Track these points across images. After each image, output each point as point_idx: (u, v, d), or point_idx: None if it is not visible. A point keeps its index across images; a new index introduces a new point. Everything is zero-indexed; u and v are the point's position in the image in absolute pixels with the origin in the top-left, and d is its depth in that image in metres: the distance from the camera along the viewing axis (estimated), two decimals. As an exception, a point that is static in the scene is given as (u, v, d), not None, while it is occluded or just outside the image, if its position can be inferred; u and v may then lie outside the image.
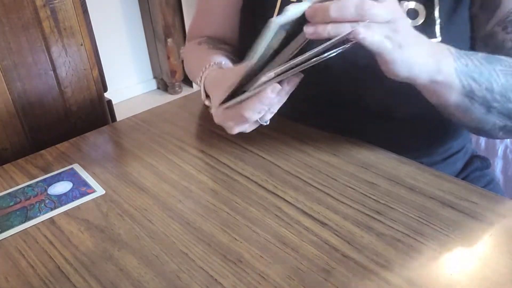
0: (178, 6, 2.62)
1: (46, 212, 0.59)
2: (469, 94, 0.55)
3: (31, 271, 0.51)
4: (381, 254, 0.49)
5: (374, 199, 0.57)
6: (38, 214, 0.59)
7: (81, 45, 0.79)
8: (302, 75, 0.51)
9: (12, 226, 0.57)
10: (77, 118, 0.82)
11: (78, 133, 0.78)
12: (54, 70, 0.77)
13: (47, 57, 0.75)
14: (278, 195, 0.59)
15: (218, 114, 0.56)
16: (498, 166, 1.30)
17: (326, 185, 0.60)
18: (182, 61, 2.74)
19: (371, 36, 0.45)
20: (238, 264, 0.49)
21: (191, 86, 2.79)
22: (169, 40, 2.62)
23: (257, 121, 0.56)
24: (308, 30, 0.46)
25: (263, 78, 0.48)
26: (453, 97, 0.55)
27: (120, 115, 0.89)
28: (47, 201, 0.61)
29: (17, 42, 0.72)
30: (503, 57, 0.58)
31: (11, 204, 0.61)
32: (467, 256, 0.48)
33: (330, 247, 0.50)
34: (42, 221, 0.58)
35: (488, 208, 0.54)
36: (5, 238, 0.55)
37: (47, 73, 0.76)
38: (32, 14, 0.72)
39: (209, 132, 0.75)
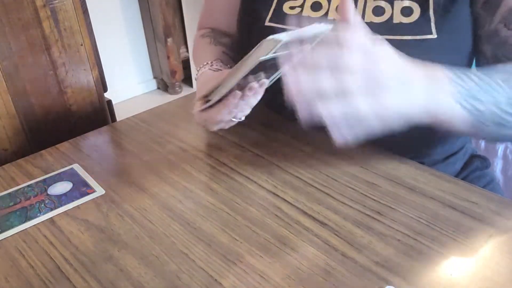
0: (178, 6, 2.62)
1: (46, 212, 0.59)
2: (477, 115, 0.52)
3: (31, 271, 0.51)
4: (381, 254, 0.49)
5: (374, 199, 0.57)
6: (38, 214, 0.59)
7: (81, 45, 0.79)
8: (265, 84, 0.59)
9: (12, 226, 0.57)
10: (77, 118, 0.82)
11: (78, 133, 0.78)
12: (54, 70, 0.77)
13: (47, 57, 0.75)
14: (278, 195, 0.59)
15: (196, 115, 0.65)
16: (498, 166, 1.30)
17: (326, 185, 0.60)
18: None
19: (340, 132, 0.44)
20: (238, 264, 0.49)
21: (191, 86, 2.79)
22: (169, 40, 2.62)
23: (232, 120, 0.65)
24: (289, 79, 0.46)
25: (224, 89, 0.58)
26: (461, 124, 0.53)
27: (120, 115, 0.89)
28: (47, 201, 0.61)
29: (17, 42, 0.72)
30: (498, 67, 0.57)
31: (11, 204, 0.61)
32: (467, 256, 0.48)
33: (330, 247, 0.50)
34: (42, 221, 0.58)
35: (488, 208, 0.54)
36: (5, 238, 0.55)
37: (47, 73, 0.76)
38: (32, 14, 0.72)
39: (209, 132, 0.75)
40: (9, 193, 0.63)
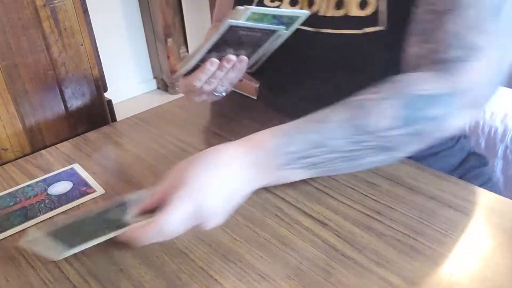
0: (178, 6, 2.62)
1: (46, 212, 0.59)
2: (315, 166, 0.53)
3: (31, 271, 0.51)
4: (381, 254, 0.49)
5: (374, 199, 0.57)
6: (38, 214, 0.59)
7: (81, 45, 0.79)
8: (244, 61, 0.67)
9: (12, 226, 0.57)
10: (77, 118, 0.82)
11: (78, 133, 0.79)
12: (54, 70, 0.77)
13: (47, 57, 0.75)
14: (278, 195, 0.59)
15: (180, 84, 0.72)
16: (498, 166, 1.29)
17: (326, 185, 0.60)
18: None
19: None
20: (238, 264, 0.49)
21: (191, 86, 2.79)
22: (169, 40, 2.62)
23: (213, 93, 0.70)
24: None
25: (200, 53, 0.64)
26: (303, 175, 0.54)
27: (120, 115, 0.89)
28: (47, 201, 0.61)
29: (17, 42, 0.72)
30: (336, 108, 0.54)
31: (11, 204, 0.61)
32: (467, 256, 0.48)
33: (330, 247, 0.50)
34: (42, 221, 0.58)
35: (488, 208, 0.54)
36: (5, 238, 0.55)
37: (47, 73, 0.76)
38: (32, 14, 0.72)
39: (209, 132, 0.76)
40: (9, 193, 0.63)
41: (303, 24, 0.67)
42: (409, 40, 0.59)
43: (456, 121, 0.54)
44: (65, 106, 0.80)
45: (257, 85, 0.89)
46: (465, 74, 0.53)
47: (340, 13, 0.66)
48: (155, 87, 2.90)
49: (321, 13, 0.67)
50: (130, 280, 0.48)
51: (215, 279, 0.47)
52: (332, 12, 0.67)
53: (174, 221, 0.46)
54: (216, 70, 0.66)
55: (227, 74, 0.68)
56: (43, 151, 0.73)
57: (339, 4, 0.66)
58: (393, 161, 0.57)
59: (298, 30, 0.68)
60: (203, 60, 0.65)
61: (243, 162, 0.51)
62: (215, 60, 0.65)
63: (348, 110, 0.53)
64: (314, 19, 0.67)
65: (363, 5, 0.64)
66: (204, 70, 0.65)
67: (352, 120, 0.52)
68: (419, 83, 0.53)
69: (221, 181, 0.49)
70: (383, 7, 0.63)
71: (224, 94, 0.73)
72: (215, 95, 0.72)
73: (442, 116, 0.52)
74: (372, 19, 0.63)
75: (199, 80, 0.67)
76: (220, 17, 0.87)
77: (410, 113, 0.51)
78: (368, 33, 0.64)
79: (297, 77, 0.75)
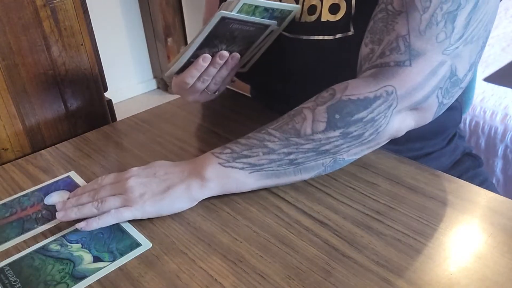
0: (178, 5, 2.62)
1: (44, 223, 0.57)
2: (256, 169, 0.56)
3: (31, 271, 0.51)
4: (381, 254, 0.49)
5: (374, 199, 0.57)
6: (35, 225, 0.57)
7: (81, 45, 0.79)
8: (236, 57, 0.66)
9: (8, 239, 0.55)
10: (77, 118, 0.82)
11: (78, 133, 0.79)
12: (54, 70, 0.77)
13: (47, 57, 0.75)
14: (278, 195, 0.59)
15: (172, 84, 0.70)
16: (498, 166, 1.30)
17: (326, 185, 0.60)
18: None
19: (105, 221, 0.55)
20: (238, 264, 0.49)
21: (191, 86, 2.79)
22: (169, 39, 2.62)
23: (206, 92, 0.69)
24: (58, 215, 0.56)
25: (187, 53, 0.63)
26: (245, 181, 0.56)
27: (120, 115, 0.89)
28: (44, 212, 0.59)
29: (17, 42, 0.72)
30: (276, 119, 0.57)
31: (6, 215, 0.59)
32: (467, 256, 0.48)
33: (330, 247, 0.50)
34: (39, 233, 0.56)
35: (488, 207, 0.54)
36: (2, 250, 0.54)
37: (47, 73, 0.76)
38: (32, 14, 0.72)
39: (209, 131, 0.76)
40: (4, 204, 0.61)
41: (284, 30, 0.68)
42: (364, 38, 0.59)
43: (394, 124, 0.55)
44: (65, 106, 0.80)
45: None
46: (400, 78, 0.53)
47: (312, 18, 0.66)
48: (155, 87, 2.90)
49: (296, 19, 0.67)
50: (130, 280, 0.48)
51: (215, 279, 0.48)
52: (305, 17, 0.66)
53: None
54: (209, 67, 0.65)
55: (220, 71, 0.66)
56: (43, 151, 0.73)
57: (312, 9, 0.66)
58: (343, 164, 0.58)
59: (279, 34, 0.69)
60: (195, 56, 0.64)
61: (182, 167, 0.58)
62: (207, 56, 0.63)
63: (285, 118, 0.56)
64: (290, 25, 0.68)
65: (334, 9, 0.64)
66: (197, 66, 0.64)
67: (287, 125, 0.55)
68: (351, 89, 0.54)
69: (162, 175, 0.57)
70: (353, 11, 0.62)
71: (217, 93, 0.71)
72: (208, 94, 0.70)
73: (374, 119, 0.53)
74: (343, 24, 0.63)
75: (192, 76, 0.65)
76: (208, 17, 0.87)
77: (341, 117, 0.53)
78: (339, 38, 0.64)
79: (283, 80, 0.76)
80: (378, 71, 0.54)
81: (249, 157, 0.55)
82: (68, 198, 0.59)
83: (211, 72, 0.66)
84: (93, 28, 0.81)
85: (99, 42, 0.85)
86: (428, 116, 0.57)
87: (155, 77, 2.88)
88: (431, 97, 0.55)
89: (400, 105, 0.54)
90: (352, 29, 0.63)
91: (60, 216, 0.56)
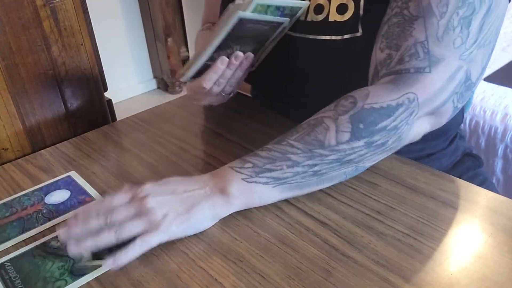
0: (178, 5, 2.62)
1: (44, 222, 0.57)
2: (280, 183, 0.54)
3: (31, 271, 0.51)
4: (381, 254, 0.49)
5: (375, 199, 0.57)
6: (36, 224, 0.57)
7: (81, 45, 0.79)
8: (250, 57, 0.65)
9: (9, 238, 0.55)
10: (77, 118, 0.82)
11: (78, 133, 0.79)
12: (54, 69, 0.77)
13: (47, 57, 0.75)
14: (278, 195, 0.59)
15: (187, 88, 0.68)
16: (498, 166, 1.29)
17: (326, 185, 0.60)
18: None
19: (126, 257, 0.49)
20: (238, 264, 0.49)
21: (191, 85, 2.79)
22: (169, 39, 2.62)
23: (221, 94, 0.68)
24: (69, 248, 0.50)
25: (211, 47, 0.62)
26: (269, 195, 0.55)
27: (120, 115, 0.89)
28: (44, 211, 0.59)
29: (17, 42, 0.72)
30: (295, 128, 0.56)
31: (6, 215, 0.59)
32: (467, 256, 0.48)
33: (330, 247, 0.50)
34: (40, 232, 0.56)
35: (489, 207, 0.54)
36: (3, 250, 0.54)
37: (47, 73, 0.76)
38: (32, 14, 0.72)
39: (209, 131, 0.76)
40: (5, 203, 0.61)
41: (289, 29, 0.68)
42: (377, 42, 0.59)
43: (414, 130, 0.56)
44: (65, 106, 0.80)
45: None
46: (421, 85, 0.53)
47: (319, 18, 0.66)
48: (155, 87, 2.90)
49: (302, 18, 0.67)
50: (130, 280, 0.48)
51: (215, 279, 0.47)
52: (311, 17, 0.66)
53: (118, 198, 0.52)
54: (225, 69, 0.64)
55: (235, 72, 0.66)
56: (43, 151, 0.73)
57: (319, 9, 0.66)
58: (362, 171, 0.58)
59: (285, 34, 0.69)
60: (210, 59, 0.63)
61: (203, 183, 0.54)
62: (225, 58, 0.62)
63: (305, 128, 0.55)
64: (296, 24, 0.68)
65: (342, 9, 0.64)
66: (215, 69, 0.63)
67: (309, 136, 0.53)
68: (373, 97, 0.53)
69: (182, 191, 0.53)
70: (361, 12, 0.62)
71: (231, 95, 0.70)
72: (223, 96, 0.69)
73: (397, 127, 0.53)
74: (351, 25, 0.63)
75: (210, 80, 0.64)
76: (211, 18, 0.87)
77: (365, 126, 0.52)
78: (347, 39, 0.64)
79: (286, 80, 0.75)
80: (398, 77, 0.54)
81: (272, 171, 0.53)
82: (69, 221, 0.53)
83: (227, 74, 0.65)
84: (93, 28, 0.81)
85: (99, 42, 0.85)
86: (443, 120, 0.57)
87: (155, 77, 2.88)
88: (448, 102, 0.55)
89: (421, 112, 0.54)
90: (360, 30, 0.63)
91: (72, 249, 0.49)
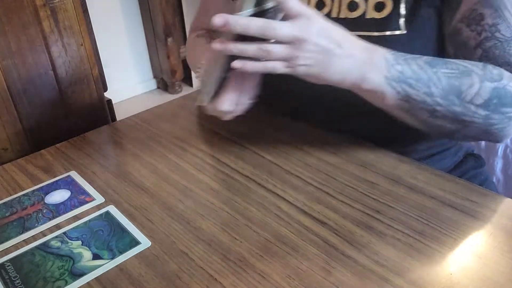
0: (178, 5, 2.62)
1: (44, 222, 0.57)
2: (406, 99, 0.56)
3: (31, 270, 0.51)
4: (381, 254, 0.49)
5: (374, 198, 0.57)
6: (36, 224, 0.57)
7: (81, 45, 0.79)
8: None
9: (9, 238, 0.55)
10: (77, 118, 0.82)
11: (78, 133, 0.79)
12: (54, 70, 0.77)
13: (47, 57, 0.75)
14: (278, 194, 0.59)
15: (207, 109, 0.63)
16: (498, 166, 1.29)
17: (326, 184, 0.60)
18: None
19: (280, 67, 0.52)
20: (238, 263, 0.49)
21: (191, 85, 2.79)
22: (169, 39, 2.62)
23: (246, 102, 0.64)
24: (236, 64, 0.53)
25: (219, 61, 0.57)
26: (389, 101, 0.57)
27: (120, 115, 0.89)
28: (44, 211, 0.59)
29: (17, 42, 0.72)
30: (453, 60, 0.57)
31: (7, 214, 0.59)
32: (467, 256, 0.48)
33: (330, 246, 0.50)
34: (40, 232, 0.56)
35: (489, 207, 0.54)
36: (3, 250, 0.54)
37: (47, 73, 0.76)
38: (32, 14, 0.72)
39: (209, 131, 0.76)
40: (5, 203, 0.61)
41: None
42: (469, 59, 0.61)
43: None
44: (65, 106, 0.80)
45: None
46: None
47: (354, 14, 0.65)
48: (155, 87, 2.90)
49: (334, 15, 0.67)
50: (130, 280, 0.48)
51: (215, 279, 0.48)
52: (345, 14, 0.66)
53: (318, 23, 0.53)
54: (242, 83, 0.59)
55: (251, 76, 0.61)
56: (43, 151, 0.73)
57: (353, 6, 0.66)
58: (452, 137, 0.63)
59: None
60: (225, 71, 0.57)
61: (362, 50, 0.55)
62: (238, 63, 0.55)
63: (454, 70, 0.57)
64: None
65: (379, 7, 0.64)
66: (232, 88, 0.58)
67: (455, 80, 0.56)
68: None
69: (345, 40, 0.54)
70: (402, 10, 0.62)
71: (253, 100, 0.64)
72: (248, 102, 0.63)
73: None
74: (388, 22, 0.63)
75: (229, 100, 0.59)
76: (207, 24, 0.85)
77: (497, 102, 0.56)
78: (386, 36, 0.63)
79: (290, 80, 0.75)
80: None
81: (410, 87, 0.55)
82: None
83: (245, 89, 0.60)
84: (93, 28, 0.82)
85: (99, 42, 0.85)
86: None
87: (155, 77, 2.88)
88: None
89: None
90: (403, 28, 0.63)
91: (238, 65, 0.53)
